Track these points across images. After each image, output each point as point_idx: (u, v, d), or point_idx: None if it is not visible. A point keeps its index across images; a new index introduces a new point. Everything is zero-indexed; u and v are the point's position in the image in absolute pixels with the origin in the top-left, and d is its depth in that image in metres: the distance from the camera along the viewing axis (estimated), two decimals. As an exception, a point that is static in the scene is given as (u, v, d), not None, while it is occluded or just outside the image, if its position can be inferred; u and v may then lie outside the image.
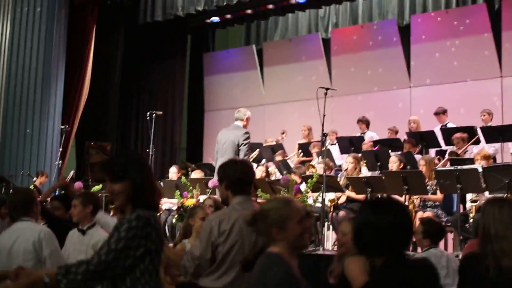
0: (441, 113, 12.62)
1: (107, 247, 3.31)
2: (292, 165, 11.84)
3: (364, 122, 13.50)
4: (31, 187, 11.36)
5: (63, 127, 13.32)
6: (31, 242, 5.01)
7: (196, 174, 11.86)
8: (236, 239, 4.22)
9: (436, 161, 10.30)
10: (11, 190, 11.84)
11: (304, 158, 12.90)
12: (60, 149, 13.07)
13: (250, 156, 13.47)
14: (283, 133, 14.86)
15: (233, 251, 4.22)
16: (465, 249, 5.14)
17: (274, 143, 14.21)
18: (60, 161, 12.98)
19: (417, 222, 7.54)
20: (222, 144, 9.60)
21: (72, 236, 5.90)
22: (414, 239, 6.49)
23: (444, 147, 11.82)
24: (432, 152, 11.85)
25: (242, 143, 9.51)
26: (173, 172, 12.35)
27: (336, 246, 7.69)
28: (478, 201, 8.39)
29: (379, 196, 2.80)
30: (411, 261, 3.28)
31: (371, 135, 13.18)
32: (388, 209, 3.12)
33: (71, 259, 5.42)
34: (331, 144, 13.07)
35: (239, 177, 4.33)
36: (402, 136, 12.58)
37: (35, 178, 12.46)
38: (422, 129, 12.58)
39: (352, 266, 3.21)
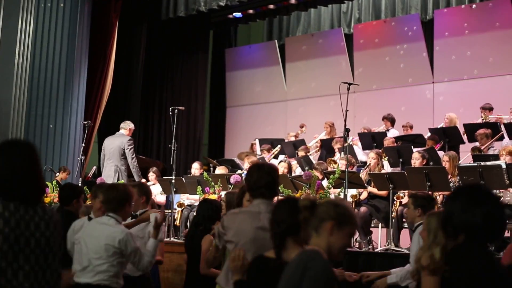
0: (487, 109, 12.38)
1: None
2: (314, 161, 11.81)
3: (389, 120, 13.43)
4: (54, 182, 11.43)
5: (85, 122, 13.33)
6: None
7: (220, 170, 11.85)
8: (232, 240, 4.28)
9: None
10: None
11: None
12: (83, 145, 13.08)
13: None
14: (302, 127, 14.84)
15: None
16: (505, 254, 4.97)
17: (293, 138, 14.19)
18: (83, 157, 12.99)
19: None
20: (108, 150, 11.62)
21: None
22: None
23: (467, 143, 11.73)
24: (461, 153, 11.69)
25: (127, 148, 11.55)
26: (195, 168, 12.34)
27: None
28: (502, 198, 8.33)
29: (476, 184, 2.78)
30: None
31: (393, 133, 13.08)
32: (479, 198, 3.06)
33: None
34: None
35: (255, 182, 4.39)
36: (422, 131, 12.48)
37: (57, 174, 12.54)
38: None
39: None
